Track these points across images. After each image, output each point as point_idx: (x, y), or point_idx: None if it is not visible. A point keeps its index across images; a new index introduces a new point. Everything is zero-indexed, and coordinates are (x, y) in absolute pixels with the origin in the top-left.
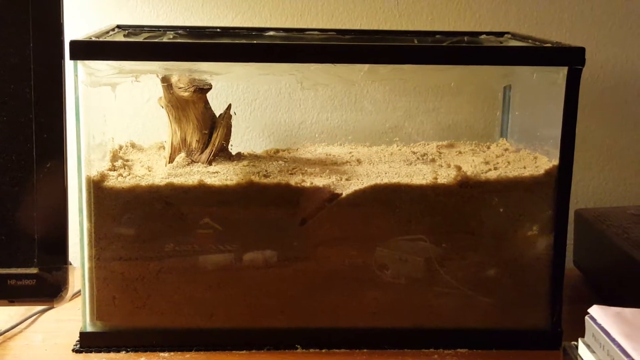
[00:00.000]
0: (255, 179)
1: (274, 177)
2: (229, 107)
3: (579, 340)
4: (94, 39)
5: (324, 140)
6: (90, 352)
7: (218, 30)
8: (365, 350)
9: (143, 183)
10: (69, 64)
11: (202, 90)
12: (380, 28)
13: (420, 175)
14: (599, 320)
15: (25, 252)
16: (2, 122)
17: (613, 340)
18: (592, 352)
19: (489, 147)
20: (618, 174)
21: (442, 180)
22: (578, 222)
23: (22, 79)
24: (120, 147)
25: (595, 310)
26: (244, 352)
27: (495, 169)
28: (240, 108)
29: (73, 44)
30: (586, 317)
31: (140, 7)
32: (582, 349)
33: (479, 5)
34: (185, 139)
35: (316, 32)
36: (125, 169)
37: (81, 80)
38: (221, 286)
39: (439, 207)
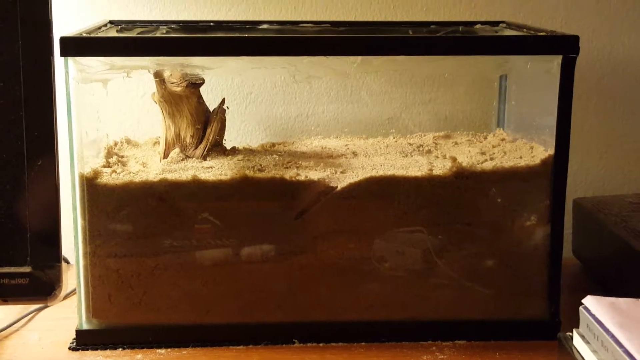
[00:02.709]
0: (250, 173)
1: (269, 171)
2: (223, 101)
3: (574, 330)
4: (84, 35)
5: (320, 133)
6: (87, 349)
7: (211, 24)
8: (363, 343)
9: (137, 179)
10: (59, 60)
11: (194, 84)
12: (375, 19)
13: (416, 167)
14: (593, 311)
15: (18, 250)
16: None
17: (607, 330)
18: (587, 342)
19: (485, 138)
20: (616, 162)
21: (437, 171)
22: (577, 211)
23: (12, 76)
24: (115, 144)
25: (589, 301)
26: (241, 347)
27: (492, 159)
28: (236, 102)
29: (63, 40)
30: (580, 308)
31: (133, 2)
32: (577, 340)
33: None
34: (179, 134)
35: (310, 25)
36: (119, 165)
37: (72, 77)
38: (217, 281)
39: (435, 199)
